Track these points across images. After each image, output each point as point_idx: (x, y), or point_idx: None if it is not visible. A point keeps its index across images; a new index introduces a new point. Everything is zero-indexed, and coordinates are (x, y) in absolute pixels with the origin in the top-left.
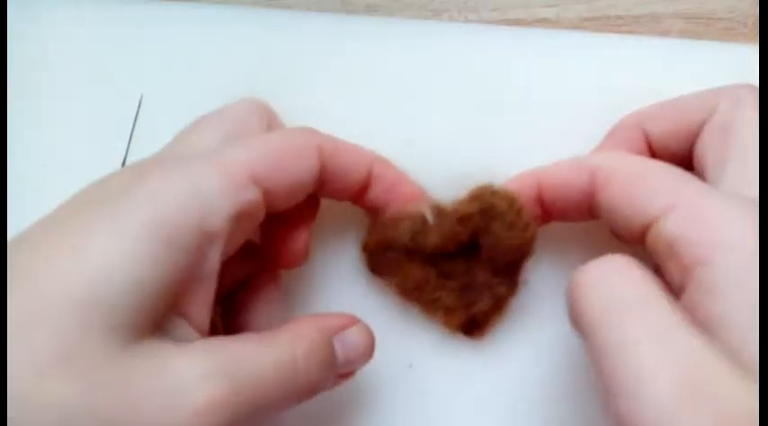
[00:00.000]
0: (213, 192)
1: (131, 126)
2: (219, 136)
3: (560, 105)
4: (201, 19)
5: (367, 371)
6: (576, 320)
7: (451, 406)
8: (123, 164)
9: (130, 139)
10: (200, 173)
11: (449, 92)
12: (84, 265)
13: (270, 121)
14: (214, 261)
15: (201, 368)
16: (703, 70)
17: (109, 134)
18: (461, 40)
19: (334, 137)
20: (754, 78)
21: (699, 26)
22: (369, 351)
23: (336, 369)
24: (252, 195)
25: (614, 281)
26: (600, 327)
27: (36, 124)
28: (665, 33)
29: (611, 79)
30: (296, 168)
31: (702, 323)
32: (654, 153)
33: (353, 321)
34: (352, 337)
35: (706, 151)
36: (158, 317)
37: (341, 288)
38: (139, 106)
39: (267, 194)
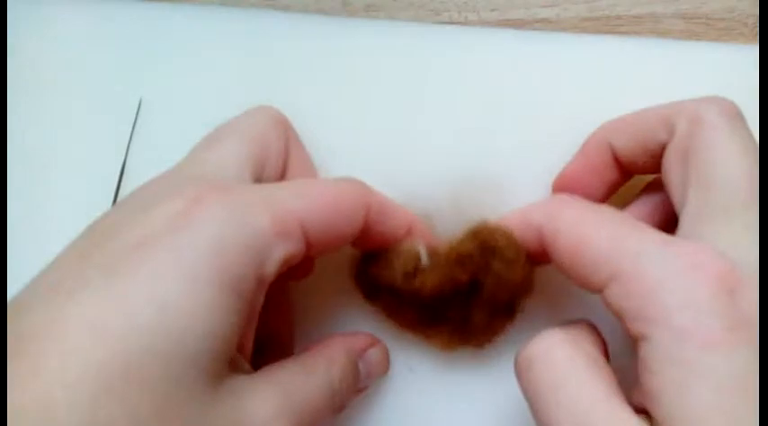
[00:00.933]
0: (268, 240)
1: (131, 126)
2: (242, 152)
3: (560, 105)
4: (201, 19)
5: None
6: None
7: (451, 410)
8: (123, 164)
9: (130, 140)
10: (256, 216)
11: (448, 92)
12: (163, 316)
13: (287, 134)
14: (260, 301)
15: (271, 406)
16: (703, 70)
17: (108, 134)
18: (461, 41)
19: (380, 194)
20: (754, 78)
21: (699, 26)
22: (385, 368)
23: (359, 386)
24: (299, 247)
25: (539, 367)
26: (534, 410)
27: (36, 124)
28: (665, 33)
29: (611, 79)
30: (343, 226)
31: (644, 395)
32: (622, 165)
33: (374, 341)
34: (374, 357)
35: (669, 174)
36: (229, 361)
37: (345, 294)
38: (139, 107)
39: (309, 244)
